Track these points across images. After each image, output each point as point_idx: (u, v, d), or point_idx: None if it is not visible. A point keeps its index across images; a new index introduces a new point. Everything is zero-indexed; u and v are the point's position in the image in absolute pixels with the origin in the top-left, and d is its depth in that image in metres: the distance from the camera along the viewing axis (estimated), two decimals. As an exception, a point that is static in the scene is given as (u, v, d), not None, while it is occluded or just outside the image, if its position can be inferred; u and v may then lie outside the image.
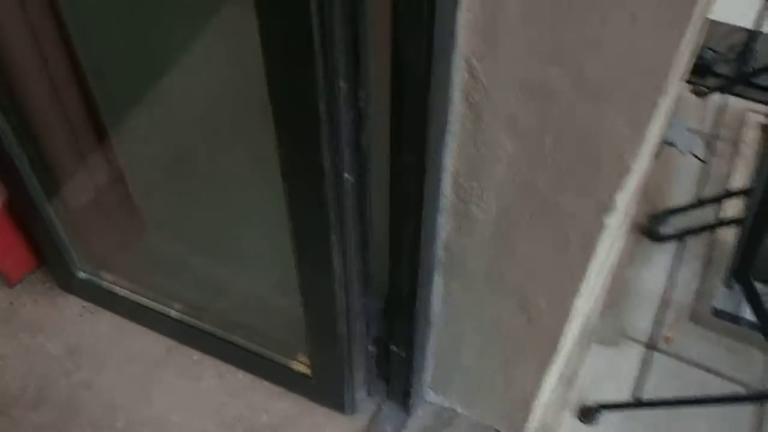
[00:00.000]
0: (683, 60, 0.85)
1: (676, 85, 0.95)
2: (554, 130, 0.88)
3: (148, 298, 1.53)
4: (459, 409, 1.47)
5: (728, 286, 1.36)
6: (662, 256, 1.74)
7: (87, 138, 1.43)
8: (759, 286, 1.30)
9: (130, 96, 1.30)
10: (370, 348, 1.36)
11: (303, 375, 1.42)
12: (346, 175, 0.95)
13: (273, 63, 0.81)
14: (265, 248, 1.34)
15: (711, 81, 2.33)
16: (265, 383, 1.50)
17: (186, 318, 1.51)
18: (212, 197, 1.37)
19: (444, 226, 1.09)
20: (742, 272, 1.31)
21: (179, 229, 1.53)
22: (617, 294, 1.67)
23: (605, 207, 0.91)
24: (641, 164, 0.97)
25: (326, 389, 1.42)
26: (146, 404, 1.47)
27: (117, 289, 1.55)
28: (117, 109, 1.36)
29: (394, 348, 1.33)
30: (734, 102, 2.23)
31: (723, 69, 2.37)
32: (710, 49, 2.38)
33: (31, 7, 1.22)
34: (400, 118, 0.90)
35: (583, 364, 1.56)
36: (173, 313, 1.51)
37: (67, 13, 1.24)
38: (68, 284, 1.60)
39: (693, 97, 2.28)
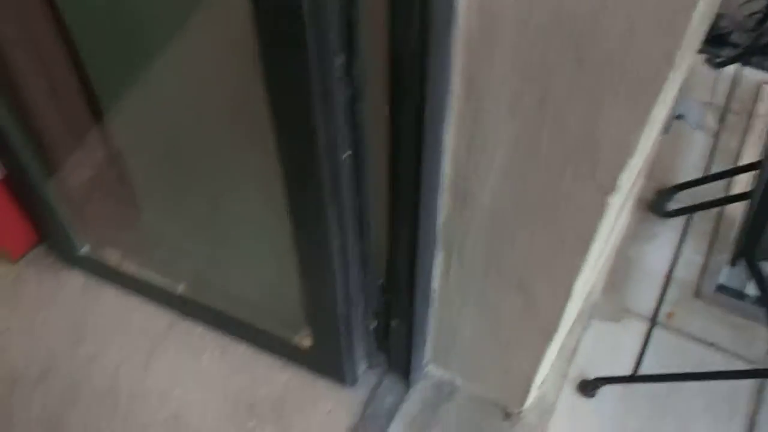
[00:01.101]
0: (698, 30, 0.82)
1: (688, 57, 0.93)
2: (554, 110, 0.86)
3: (150, 274, 1.53)
4: (459, 383, 1.47)
5: (733, 263, 1.34)
6: (668, 232, 1.72)
7: (83, 116, 1.42)
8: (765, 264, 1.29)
9: (126, 75, 1.29)
10: (370, 322, 1.36)
11: (304, 348, 1.42)
12: (342, 152, 0.94)
13: (265, 40, 0.79)
14: (263, 226, 1.33)
15: (726, 51, 2.27)
16: (266, 356, 1.51)
17: (187, 293, 1.51)
18: (208, 176, 1.37)
19: (443, 204, 1.08)
20: (747, 250, 1.29)
21: (174, 208, 1.53)
22: (620, 270, 1.66)
23: (607, 188, 0.90)
24: (647, 143, 0.95)
25: (327, 362, 1.43)
26: (149, 378, 1.49)
27: (118, 265, 1.56)
28: (113, 89, 1.35)
29: (393, 323, 1.33)
30: (749, 73, 2.19)
31: (740, 39, 2.31)
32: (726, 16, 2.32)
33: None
34: (399, 95, 0.88)
35: (584, 339, 1.56)
36: (175, 288, 1.52)
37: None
38: (70, 259, 1.60)
39: (706, 68, 2.24)
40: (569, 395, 1.49)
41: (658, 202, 1.76)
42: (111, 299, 1.59)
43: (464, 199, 1.05)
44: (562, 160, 0.91)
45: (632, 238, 1.71)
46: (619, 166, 0.87)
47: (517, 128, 0.91)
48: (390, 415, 1.44)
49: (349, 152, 0.96)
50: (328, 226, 1.04)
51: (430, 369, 1.48)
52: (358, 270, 1.19)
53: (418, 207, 1.04)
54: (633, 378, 1.41)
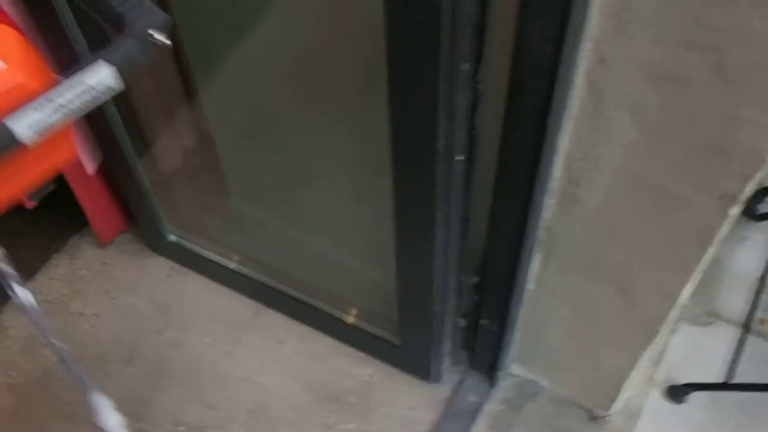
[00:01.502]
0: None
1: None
2: (682, 118, 0.83)
3: (235, 262, 1.55)
4: (543, 383, 1.46)
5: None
6: (758, 234, 1.67)
7: (177, 99, 1.43)
8: None
9: (221, 51, 1.28)
10: (459, 320, 1.35)
11: (390, 342, 1.42)
12: (457, 155, 0.93)
13: (396, 42, 0.78)
14: (359, 218, 1.33)
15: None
16: (348, 348, 1.52)
17: (272, 282, 1.52)
18: (302, 163, 1.36)
19: (548, 207, 1.06)
20: None
21: (265, 195, 1.53)
22: (709, 273, 1.61)
23: (731, 199, 0.87)
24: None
25: (412, 357, 1.43)
26: (233, 365, 1.51)
27: (204, 252, 1.57)
28: (207, 69, 1.35)
29: (483, 322, 1.32)
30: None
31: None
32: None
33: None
34: (520, 101, 0.86)
35: (672, 343, 1.52)
36: (259, 277, 1.53)
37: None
38: (157, 246, 1.63)
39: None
40: (656, 400, 1.46)
41: (749, 205, 1.71)
42: (196, 287, 1.61)
43: (571, 202, 1.03)
44: (685, 167, 0.88)
45: (722, 240, 1.66)
46: (748, 176, 0.85)
47: (638, 133, 0.88)
48: (473, 414, 1.44)
49: (464, 155, 0.94)
50: (434, 227, 1.03)
51: (514, 368, 1.47)
52: (456, 270, 1.18)
53: (525, 210, 1.02)
54: (726, 386, 1.37)
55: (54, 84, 0.40)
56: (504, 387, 1.47)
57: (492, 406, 1.45)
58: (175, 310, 1.58)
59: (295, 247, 1.48)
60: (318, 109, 1.24)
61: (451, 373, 1.48)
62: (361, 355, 1.51)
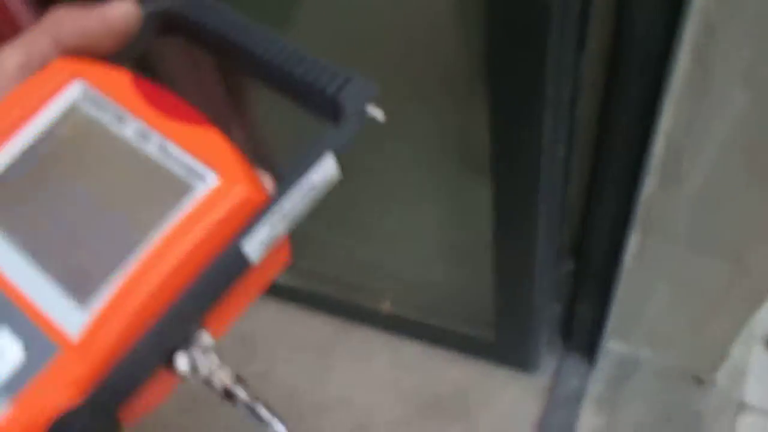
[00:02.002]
0: None
1: None
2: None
3: (309, 282, 1.52)
4: (643, 356, 1.43)
5: None
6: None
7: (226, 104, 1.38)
8: None
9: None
10: (556, 307, 1.32)
11: (483, 340, 1.39)
12: (560, 145, 0.89)
13: (500, 33, 0.73)
14: (440, 220, 1.29)
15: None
16: (440, 352, 1.49)
17: (351, 296, 1.49)
18: (381, 157, 1.30)
19: (648, 185, 1.02)
20: None
21: (337, 206, 1.49)
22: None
23: None
24: None
25: (510, 352, 1.40)
26: (325, 388, 1.48)
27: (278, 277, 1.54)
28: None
29: (581, 305, 1.29)
30: None
31: None
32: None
33: None
34: (622, 83, 0.82)
35: None
36: (337, 294, 1.50)
37: None
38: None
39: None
40: (760, 355, 1.43)
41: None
42: (272, 313, 1.58)
43: (673, 179, 0.99)
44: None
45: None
46: None
47: (750, 99, 0.84)
48: (577, 398, 1.41)
49: (564, 144, 0.91)
50: (537, 220, 0.99)
51: (611, 345, 1.44)
52: (554, 259, 1.15)
53: (626, 191, 0.99)
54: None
55: (274, 188, 0.35)
56: (604, 366, 1.44)
57: (595, 387, 1.42)
58: (258, 340, 1.56)
59: (373, 259, 1.44)
60: (402, 106, 1.19)
61: (548, 360, 1.45)
62: (453, 356, 1.48)
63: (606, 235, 1.09)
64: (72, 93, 0.38)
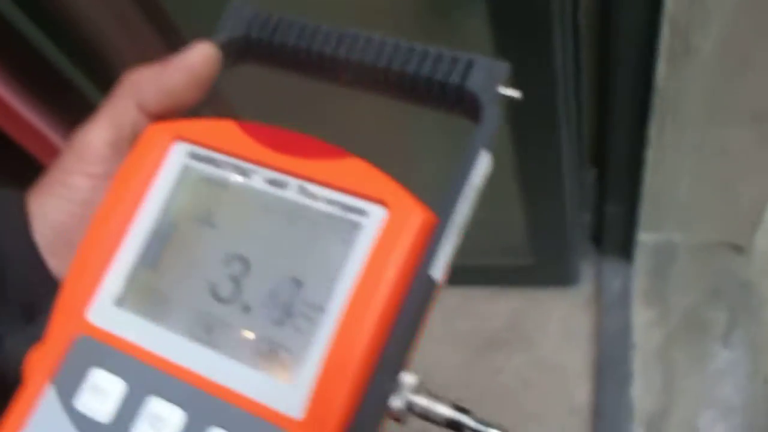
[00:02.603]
0: None
1: None
2: None
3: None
4: (679, 239, 1.43)
5: None
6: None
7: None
8: None
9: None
10: (585, 215, 1.31)
11: (520, 266, 1.38)
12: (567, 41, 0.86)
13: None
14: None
15: None
16: (481, 291, 1.48)
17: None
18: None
19: (661, 70, 1.00)
20: None
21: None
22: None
23: None
24: None
25: (549, 272, 1.39)
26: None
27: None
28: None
29: (609, 207, 1.28)
30: None
31: None
32: None
33: None
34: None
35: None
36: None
37: None
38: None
39: None
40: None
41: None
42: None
43: (684, 56, 0.97)
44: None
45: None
46: None
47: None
48: (625, 298, 1.41)
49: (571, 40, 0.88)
50: (559, 128, 0.96)
51: (644, 237, 1.43)
52: (578, 167, 1.13)
53: (640, 80, 0.97)
54: None
55: (444, 201, 0.32)
56: (642, 260, 1.44)
57: (639, 282, 1.42)
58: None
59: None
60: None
61: (585, 268, 1.45)
62: (496, 291, 1.47)
63: (623, 131, 1.07)
64: (179, 157, 0.35)
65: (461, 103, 0.34)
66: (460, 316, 1.47)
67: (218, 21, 0.38)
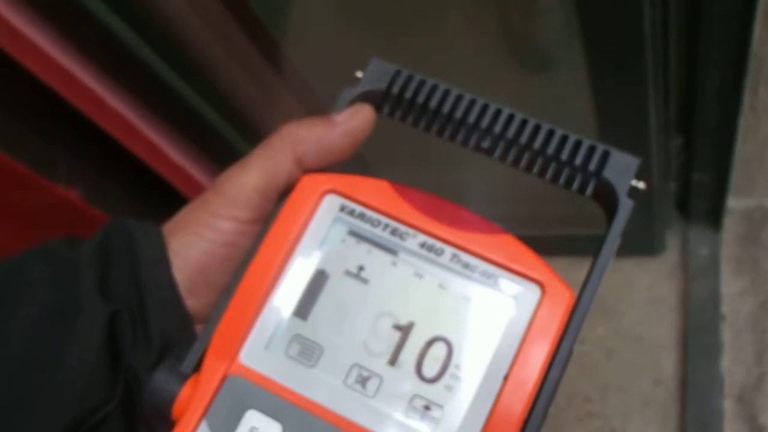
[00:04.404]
0: None
1: None
2: None
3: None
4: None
5: None
6: None
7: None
8: None
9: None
10: (671, 184, 1.27)
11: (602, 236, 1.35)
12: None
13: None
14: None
15: None
16: (561, 261, 1.45)
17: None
18: None
19: (755, 32, 0.95)
20: None
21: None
22: None
23: None
24: None
25: (632, 241, 1.35)
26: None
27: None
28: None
29: (696, 175, 1.24)
30: None
31: None
32: None
33: None
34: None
35: None
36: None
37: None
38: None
39: None
40: None
41: None
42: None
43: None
44: None
45: None
46: None
47: None
48: (713, 266, 1.37)
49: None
50: (647, 92, 0.93)
51: (731, 203, 1.38)
52: (665, 136, 1.09)
53: (736, 45, 0.92)
54: None
55: (586, 285, 0.36)
56: (731, 226, 1.39)
57: (728, 250, 1.37)
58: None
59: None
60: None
61: (671, 236, 1.41)
62: (576, 261, 1.43)
63: (716, 97, 1.03)
64: (331, 210, 0.36)
65: (595, 189, 0.36)
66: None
67: (353, 72, 0.39)
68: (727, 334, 1.31)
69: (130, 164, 1.00)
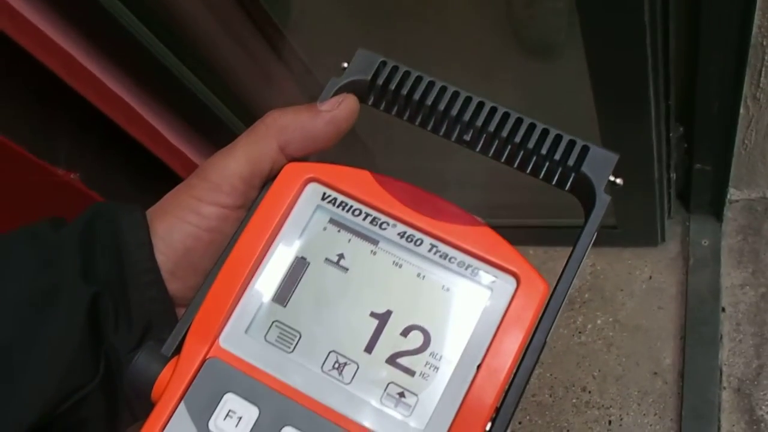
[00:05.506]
0: None
1: None
2: None
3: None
4: (770, 195, 1.36)
5: None
6: None
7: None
8: None
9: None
10: (672, 175, 1.26)
11: (606, 226, 1.35)
12: None
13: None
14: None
15: None
16: (559, 249, 1.45)
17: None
18: None
19: (756, 21, 0.95)
20: None
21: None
22: None
23: None
24: None
25: (633, 232, 1.36)
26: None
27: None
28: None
29: (698, 166, 1.23)
30: None
31: None
32: None
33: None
34: None
35: None
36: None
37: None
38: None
39: None
40: None
41: None
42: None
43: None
44: None
45: None
46: None
47: None
48: (714, 257, 1.36)
49: None
50: (647, 80, 0.92)
51: (733, 194, 1.38)
52: (665, 126, 1.09)
53: (735, 31, 0.92)
54: None
55: (562, 277, 0.36)
56: (731, 217, 1.38)
57: (729, 241, 1.37)
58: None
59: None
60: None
61: (671, 226, 1.40)
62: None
63: (715, 88, 1.02)
64: (312, 197, 0.36)
65: (573, 183, 0.37)
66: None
67: (339, 61, 0.40)
68: (726, 326, 1.31)
69: (129, 148, 1.00)
